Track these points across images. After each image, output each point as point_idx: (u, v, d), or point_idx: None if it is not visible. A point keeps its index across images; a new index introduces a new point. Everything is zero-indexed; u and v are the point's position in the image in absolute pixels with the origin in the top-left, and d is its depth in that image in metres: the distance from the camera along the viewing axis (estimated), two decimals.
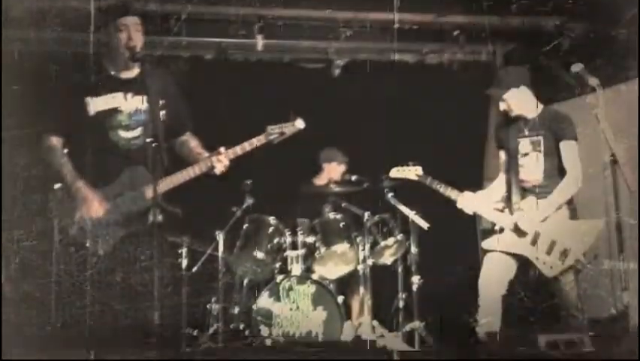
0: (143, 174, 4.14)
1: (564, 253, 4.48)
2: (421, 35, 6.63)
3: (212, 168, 4.19)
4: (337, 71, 6.82)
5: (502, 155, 4.92)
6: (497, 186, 4.94)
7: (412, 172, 5.13)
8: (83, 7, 4.43)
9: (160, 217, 3.75)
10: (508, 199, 4.75)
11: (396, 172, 5.25)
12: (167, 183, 4.10)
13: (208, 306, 5.33)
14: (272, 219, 5.61)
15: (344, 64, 6.82)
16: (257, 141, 4.29)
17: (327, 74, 6.83)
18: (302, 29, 6.54)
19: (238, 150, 4.24)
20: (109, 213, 4.10)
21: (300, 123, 4.34)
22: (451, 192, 4.85)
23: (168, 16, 5.75)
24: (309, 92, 6.48)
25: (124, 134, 4.22)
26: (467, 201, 4.80)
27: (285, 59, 6.86)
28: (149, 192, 3.95)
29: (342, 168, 6.39)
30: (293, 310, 5.26)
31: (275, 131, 4.30)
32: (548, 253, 4.52)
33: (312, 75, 6.86)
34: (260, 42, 6.43)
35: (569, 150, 4.60)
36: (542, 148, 4.66)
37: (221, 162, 4.18)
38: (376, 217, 5.78)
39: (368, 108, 6.52)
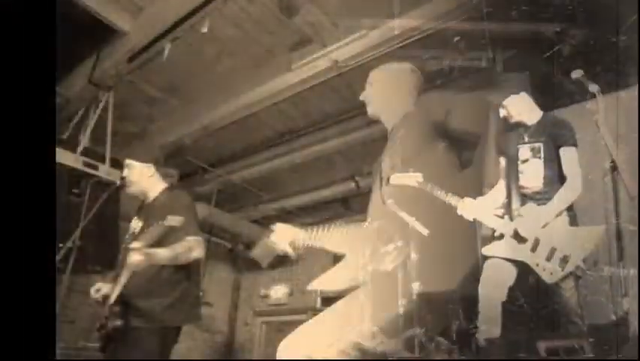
0: None
1: (564, 260, 4.48)
2: (421, 42, 6.65)
3: None
4: None
5: (502, 161, 4.92)
6: (497, 193, 4.94)
7: (412, 179, 5.13)
8: None
9: None
10: (508, 206, 4.75)
11: (396, 178, 5.25)
12: None
13: None
14: None
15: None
16: None
17: None
18: None
19: None
20: None
21: None
22: (452, 199, 4.85)
23: None
24: None
25: None
26: (467, 208, 4.80)
27: None
28: None
29: None
30: None
31: None
32: (548, 259, 4.52)
33: None
34: None
35: (568, 156, 4.60)
36: (542, 154, 4.66)
37: None
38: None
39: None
